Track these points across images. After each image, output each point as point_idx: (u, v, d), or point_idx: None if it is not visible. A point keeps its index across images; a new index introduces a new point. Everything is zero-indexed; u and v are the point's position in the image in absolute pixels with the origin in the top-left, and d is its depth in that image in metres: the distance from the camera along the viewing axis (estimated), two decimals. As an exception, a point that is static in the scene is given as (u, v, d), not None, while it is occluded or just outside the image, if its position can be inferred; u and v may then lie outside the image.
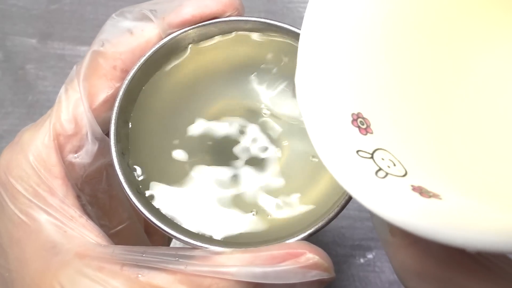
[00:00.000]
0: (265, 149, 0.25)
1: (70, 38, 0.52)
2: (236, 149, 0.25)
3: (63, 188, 0.23)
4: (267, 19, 0.25)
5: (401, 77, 0.21)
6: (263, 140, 0.25)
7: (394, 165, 0.19)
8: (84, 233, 0.22)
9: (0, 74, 0.50)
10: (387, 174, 0.18)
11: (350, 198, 0.21)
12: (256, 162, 0.25)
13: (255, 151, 0.25)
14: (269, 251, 0.20)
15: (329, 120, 0.19)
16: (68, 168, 0.23)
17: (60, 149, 0.23)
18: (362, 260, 0.43)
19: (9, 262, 0.23)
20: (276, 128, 0.25)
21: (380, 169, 0.18)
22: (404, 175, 0.19)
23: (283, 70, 0.26)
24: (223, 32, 0.25)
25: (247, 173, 0.24)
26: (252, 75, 0.26)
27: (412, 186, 0.18)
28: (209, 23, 0.25)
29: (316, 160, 0.24)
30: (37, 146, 0.23)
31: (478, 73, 0.21)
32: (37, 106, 0.49)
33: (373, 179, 0.18)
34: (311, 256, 0.20)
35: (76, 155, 0.24)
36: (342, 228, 0.44)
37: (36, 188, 0.22)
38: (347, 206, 0.20)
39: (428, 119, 0.21)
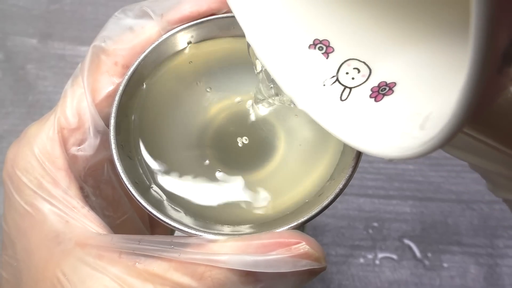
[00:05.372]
0: (264, 143, 0.25)
1: (71, 38, 0.52)
2: (236, 143, 0.26)
3: (66, 180, 0.23)
4: None
5: None
6: (262, 135, 0.26)
7: (359, 71, 0.21)
8: (85, 223, 0.23)
9: (0, 74, 0.51)
10: (350, 90, 0.20)
11: (343, 188, 0.22)
12: (255, 156, 0.25)
13: (253, 145, 0.26)
14: (261, 239, 0.20)
15: (289, 57, 0.21)
16: (72, 160, 0.24)
17: (64, 142, 0.24)
18: (362, 260, 0.43)
19: (17, 252, 0.23)
20: (274, 122, 0.26)
21: (344, 87, 0.20)
22: (368, 77, 0.21)
23: None
24: (221, 28, 0.26)
25: (246, 166, 0.25)
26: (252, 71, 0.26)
27: (371, 89, 0.20)
28: (207, 20, 0.25)
29: (307, 148, 0.25)
30: (42, 139, 0.24)
31: None
32: (37, 106, 0.49)
33: (338, 105, 0.20)
34: (302, 245, 0.20)
35: (79, 148, 0.24)
36: (342, 228, 0.44)
37: (40, 180, 0.23)
38: (348, 206, 0.21)
39: (376, 18, 0.22)
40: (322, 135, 0.25)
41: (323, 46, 0.21)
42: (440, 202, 0.45)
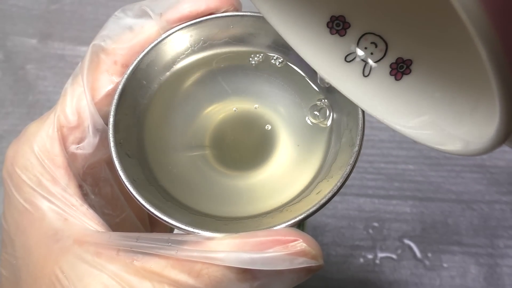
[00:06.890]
0: (263, 143, 0.25)
1: (70, 38, 0.52)
2: (235, 143, 0.26)
3: (65, 178, 0.23)
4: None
5: None
6: (261, 135, 0.26)
7: (376, 46, 0.22)
8: (84, 220, 0.23)
9: (0, 74, 0.51)
10: (371, 67, 0.21)
11: (341, 186, 0.22)
12: (254, 155, 0.25)
13: (253, 145, 0.26)
14: (258, 237, 0.20)
15: (311, 36, 0.22)
16: (71, 159, 0.24)
17: (63, 140, 0.24)
18: (362, 260, 0.43)
19: (16, 249, 0.23)
20: (273, 123, 0.26)
21: (365, 63, 0.21)
22: (385, 52, 0.21)
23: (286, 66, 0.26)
24: (220, 28, 0.26)
25: (245, 165, 0.25)
26: (255, 71, 0.26)
27: (390, 66, 0.21)
28: (206, 19, 0.26)
29: (306, 148, 0.25)
30: (41, 137, 0.24)
31: None
32: (37, 106, 0.49)
33: (363, 81, 0.21)
34: (298, 243, 0.20)
35: (78, 146, 0.24)
36: (342, 228, 0.44)
37: (39, 177, 0.23)
38: (348, 206, 0.21)
39: None
40: (320, 134, 0.25)
41: (340, 22, 0.22)
42: (440, 202, 0.45)
